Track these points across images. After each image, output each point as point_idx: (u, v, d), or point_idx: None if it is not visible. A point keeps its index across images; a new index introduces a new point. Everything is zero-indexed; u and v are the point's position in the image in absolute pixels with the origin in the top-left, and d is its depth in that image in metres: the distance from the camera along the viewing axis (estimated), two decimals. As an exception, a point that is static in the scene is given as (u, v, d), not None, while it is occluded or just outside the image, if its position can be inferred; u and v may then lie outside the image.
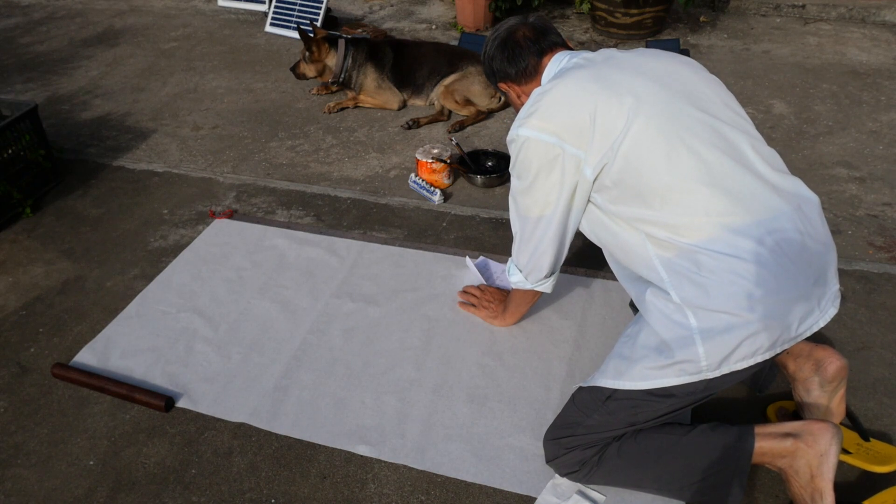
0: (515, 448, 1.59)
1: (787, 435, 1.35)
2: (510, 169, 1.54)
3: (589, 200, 1.47)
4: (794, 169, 2.60)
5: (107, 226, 2.47)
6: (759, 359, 1.29)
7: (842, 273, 2.06)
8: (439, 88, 3.14)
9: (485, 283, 2.07)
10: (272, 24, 4.15)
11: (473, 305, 1.97)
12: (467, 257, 2.16)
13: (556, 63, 1.55)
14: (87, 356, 1.90)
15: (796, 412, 1.57)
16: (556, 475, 1.50)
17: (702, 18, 4.04)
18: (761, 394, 1.65)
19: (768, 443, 1.36)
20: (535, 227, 1.52)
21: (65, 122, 3.23)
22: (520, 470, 1.54)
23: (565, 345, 1.86)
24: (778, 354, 1.31)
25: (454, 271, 2.13)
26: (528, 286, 1.65)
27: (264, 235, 2.35)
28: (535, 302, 1.84)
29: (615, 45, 3.74)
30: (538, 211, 1.49)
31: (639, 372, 1.35)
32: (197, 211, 2.52)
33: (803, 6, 4.00)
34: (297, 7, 4.07)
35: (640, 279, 1.44)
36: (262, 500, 1.52)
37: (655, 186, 1.32)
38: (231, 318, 2.00)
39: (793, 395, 1.55)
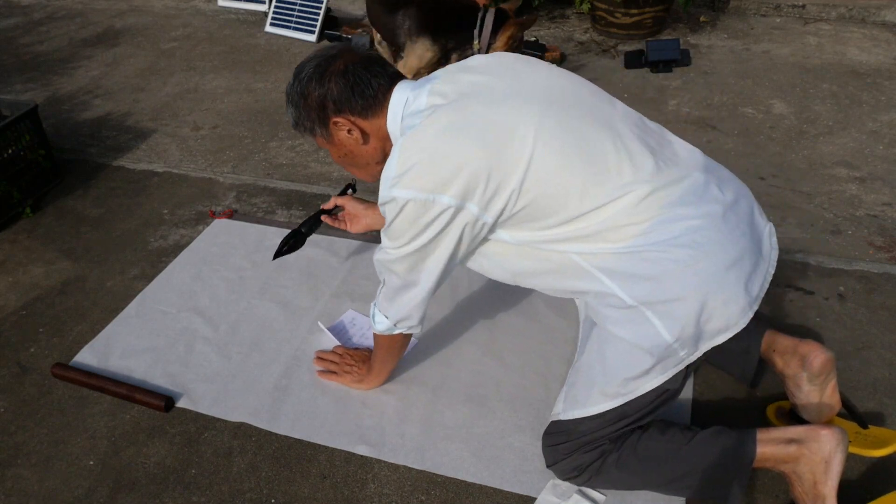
0: (515, 448, 1.59)
1: (791, 441, 1.34)
2: (382, 231, 1.36)
3: (488, 239, 1.37)
4: (794, 169, 2.60)
5: (107, 226, 2.47)
6: (735, 329, 1.29)
7: (842, 273, 2.06)
8: None
9: (341, 345, 1.87)
10: (272, 24, 4.15)
11: (334, 373, 1.76)
12: (319, 322, 1.95)
13: (402, 96, 1.37)
14: (87, 356, 1.90)
15: (793, 410, 1.57)
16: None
17: (702, 18, 4.04)
18: (753, 388, 1.66)
19: (771, 448, 1.35)
20: (410, 284, 1.39)
21: (65, 122, 3.23)
22: (520, 470, 1.54)
23: (565, 345, 1.86)
24: (749, 318, 1.30)
25: (309, 336, 1.93)
26: (397, 331, 1.52)
27: (264, 235, 2.35)
28: (404, 352, 1.67)
29: (615, 45, 3.75)
30: (413, 267, 1.36)
31: (621, 387, 1.33)
32: (197, 211, 2.52)
33: (803, 6, 4.00)
34: (298, 7, 4.07)
35: (579, 293, 1.40)
36: (262, 500, 1.52)
37: (574, 208, 1.28)
38: (231, 318, 2.00)
39: (785, 393, 1.56)
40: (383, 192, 1.31)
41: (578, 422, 1.40)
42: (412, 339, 1.88)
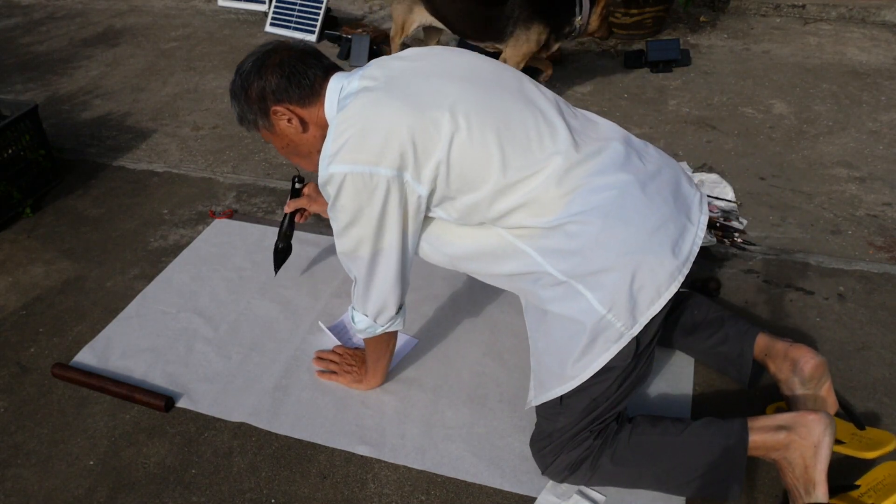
0: (515, 448, 1.59)
1: (781, 428, 1.35)
2: (328, 210, 1.41)
3: (428, 219, 1.42)
4: (794, 169, 2.60)
5: (107, 226, 2.47)
6: (667, 294, 1.31)
7: (842, 273, 2.06)
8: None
9: (342, 345, 1.88)
10: (272, 24, 4.15)
11: (334, 372, 1.78)
12: (320, 322, 1.96)
13: (336, 84, 1.42)
14: (87, 356, 1.90)
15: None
16: (556, 476, 1.50)
17: (702, 18, 4.04)
18: (751, 389, 1.66)
19: (761, 436, 1.36)
20: (374, 265, 1.42)
21: (65, 122, 3.23)
22: (520, 470, 1.54)
23: (565, 345, 1.86)
24: (679, 283, 1.32)
25: (309, 336, 1.93)
26: (379, 330, 1.53)
27: (264, 235, 2.35)
28: (394, 346, 1.67)
29: (615, 45, 3.75)
30: (371, 247, 1.39)
31: (571, 368, 1.35)
32: (197, 211, 2.52)
33: (803, 6, 4.00)
34: (297, 7, 4.07)
35: (514, 276, 1.42)
36: (262, 500, 1.52)
37: (496, 180, 1.31)
38: (231, 318, 2.00)
39: (781, 396, 1.57)
40: (322, 172, 1.34)
41: (552, 420, 1.42)
42: (413, 340, 1.89)
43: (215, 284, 2.14)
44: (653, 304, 1.31)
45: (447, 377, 1.78)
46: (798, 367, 1.49)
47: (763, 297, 1.98)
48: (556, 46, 2.99)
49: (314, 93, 1.43)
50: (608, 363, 1.33)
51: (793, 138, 2.82)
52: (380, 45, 3.76)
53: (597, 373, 1.34)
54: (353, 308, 1.53)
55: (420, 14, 3.07)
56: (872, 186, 2.49)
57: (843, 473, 1.45)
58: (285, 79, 1.41)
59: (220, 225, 2.42)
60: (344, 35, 3.82)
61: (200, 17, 4.53)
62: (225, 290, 2.12)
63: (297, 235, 2.30)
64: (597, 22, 2.96)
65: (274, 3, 4.17)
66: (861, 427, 1.51)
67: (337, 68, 1.47)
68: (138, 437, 1.68)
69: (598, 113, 3.09)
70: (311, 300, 2.06)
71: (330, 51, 3.87)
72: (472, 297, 2.04)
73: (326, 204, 1.92)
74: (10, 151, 2.46)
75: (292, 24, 4.07)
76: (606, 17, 3.00)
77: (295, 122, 1.44)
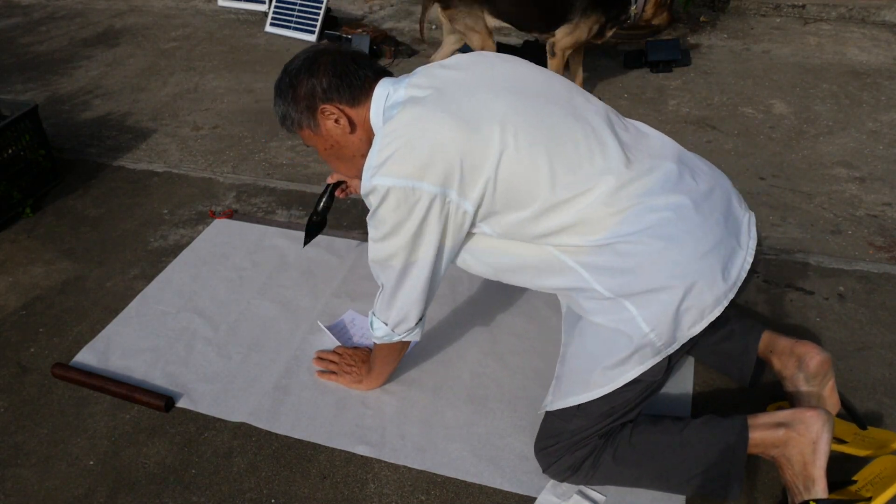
0: (515, 448, 1.59)
1: (779, 425, 1.36)
2: (368, 218, 1.39)
3: (472, 233, 1.41)
4: (795, 169, 2.60)
5: (107, 226, 2.47)
6: (710, 317, 1.30)
7: (842, 273, 2.06)
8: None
9: (341, 345, 1.87)
10: (272, 24, 4.15)
11: (334, 373, 1.76)
12: (319, 321, 1.95)
13: (383, 90, 1.41)
14: (87, 356, 1.90)
15: (793, 410, 1.57)
16: (556, 476, 1.50)
17: (702, 18, 4.04)
18: (751, 388, 1.66)
19: (760, 433, 1.37)
20: (404, 277, 1.40)
21: (65, 122, 3.23)
22: (520, 470, 1.54)
23: (565, 345, 1.86)
24: (724, 307, 1.31)
25: (309, 336, 1.92)
26: (395, 338, 1.51)
27: (264, 235, 2.35)
28: (404, 354, 1.66)
29: (615, 45, 3.74)
30: (405, 259, 1.37)
31: (600, 377, 1.34)
32: (197, 211, 2.52)
33: (803, 6, 4.00)
34: (297, 7, 4.07)
35: (562, 289, 1.41)
36: (262, 500, 1.52)
37: (545, 198, 1.30)
38: (231, 318, 2.00)
39: (784, 393, 1.56)
40: (365, 183, 1.33)
41: (567, 420, 1.41)
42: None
43: (215, 284, 2.14)
44: (694, 326, 1.30)
45: (447, 377, 1.78)
46: (804, 362, 1.49)
47: (763, 297, 1.98)
48: (609, 34, 2.99)
49: (363, 94, 1.41)
50: (637, 376, 1.33)
51: (793, 138, 2.82)
52: (380, 45, 3.76)
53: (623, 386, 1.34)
54: (374, 314, 1.51)
55: (487, 19, 3.04)
56: (872, 186, 2.49)
57: (843, 469, 1.46)
58: (337, 77, 1.39)
59: (220, 225, 2.42)
60: (344, 35, 3.81)
61: (200, 17, 4.53)
62: (225, 290, 2.12)
63: (297, 235, 2.31)
64: (651, 9, 2.96)
65: (274, 3, 4.17)
66: (863, 427, 1.51)
67: (387, 73, 1.46)
68: (138, 437, 1.68)
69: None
70: (311, 300, 2.06)
71: (330, 51, 3.87)
72: (472, 297, 2.04)
73: None
74: (10, 151, 2.46)
75: (292, 24, 4.07)
76: (663, 3, 2.98)
77: (343, 121, 1.42)
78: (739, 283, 1.33)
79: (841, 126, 2.89)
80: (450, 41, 3.21)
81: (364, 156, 1.48)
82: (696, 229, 1.30)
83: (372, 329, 1.53)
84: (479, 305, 2.00)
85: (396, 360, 1.67)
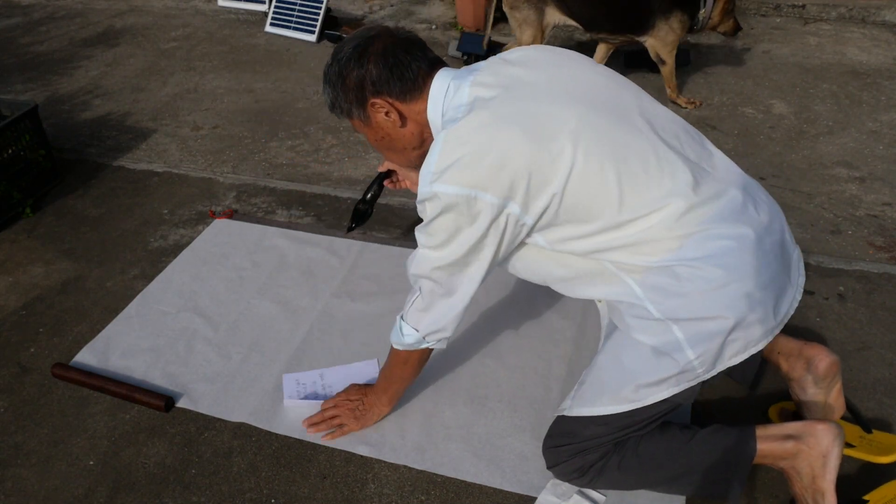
0: (515, 448, 1.59)
1: (789, 437, 1.34)
2: (418, 228, 1.32)
3: (524, 242, 1.36)
4: (794, 169, 2.60)
5: (107, 226, 2.47)
6: (753, 350, 1.29)
7: (842, 273, 2.06)
8: None
9: (324, 400, 1.69)
10: (272, 24, 4.15)
11: (340, 425, 1.62)
12: (286, 400, 1.72)
13: (442, 83, 1.34)
14: (87, 356, 1.90)
15: (797, 412, 1.57)
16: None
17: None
18: (753, 390, 1.66)
19: (769, 445, 1.35)
20: (452, 289, 1.35)
21: (65, 122, 3.23)
22: (520, 470, 1.54)
23: (565, 345, 1.86)
24: (769, 341, 1.31)
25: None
26: (424, 345, 1.44)
27: (264, 235, 2.35)
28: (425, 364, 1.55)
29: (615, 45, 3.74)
30: (455, 270, 1.32)
31: (632, 393, 1.33)
32: (197, 211, 2.52)
33: (803, 6, 4.00)
34: (297, 7, 4.07)
35: (611, 300, 1.39)
36: (262, 500, 1.52)
37: (610, 217, 1.26)
38: (231, 318, 2.00)
39: (790, 395, 1.56)
40: (423, 189, 1.26)
41: (584, 425, 1.39)
42: None
43: (215, 284, 2.14)
44: (736, 356, 1.29)
45: (447, 377, 1.78)
46: (813, 365, 1.47)
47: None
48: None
49: (416, 87, 1.34)
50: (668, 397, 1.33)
51: (793, 138, 2.82)
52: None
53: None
54: (403, 319, 1.44)
55: (552, 15, 3.04)
56: (872, 186, 2.49)
57: (853, 484, 1.45)
58: (387, 69, 1.32)
59: (220, 225, 2.42)
60: (344, 35, 3.82)
61: (200, 17, 4.53)
62: (225, 290, 2.12)
63: (297, 235, 2.31)
64: (718, 16, 2.98)
65: (274, 3, 4.17)
66: (868, 430, 1.51)
67: (442, 63, 1.39)
68: (138, 437, 1.68)
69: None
70: (311, 300, 2.06)
71: (330, 51, 3.87)
72: (472, 297, 2.03)
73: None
74: (10, 151, 2.46)
75: (292, 24, 4.07)
76: (730, 11, 3.00)
77: (394, 115, 1.37)
78: (786, 320, 1.32)
79: (841, 126, 2.89)
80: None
81: (416, 148, 1.44)
82: (756, 263, 1.27)
83: (400, 335, 1.44)
84: (480, 305, 2.00)
85: (415, 374, 1.55)
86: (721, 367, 1.30)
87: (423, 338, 1.43)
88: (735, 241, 1.27)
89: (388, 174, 1.78)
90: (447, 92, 1.34)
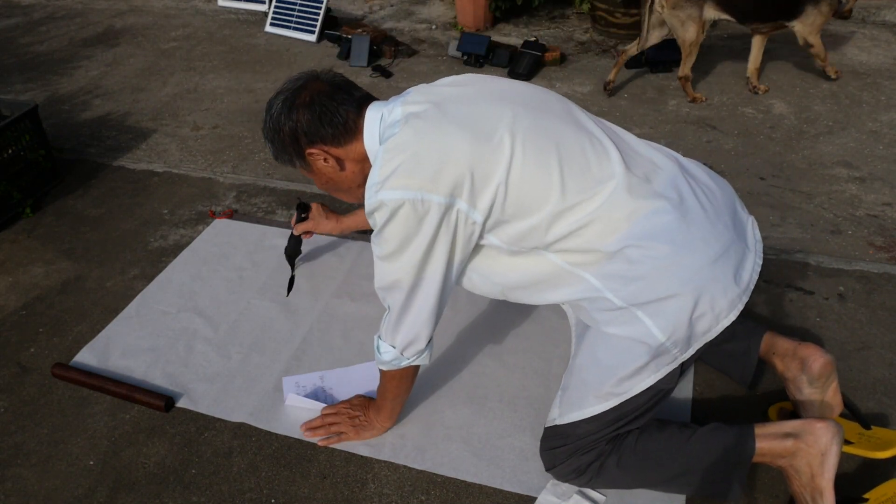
0: (515, 448, 1.59)
1: (788, 435, 1.35)
2: (373, 237, 1.34)
3: (478, 248, 1.38)
4: (794, 169, 2.60)
5: (107, 226, 2.47)
6: (725, 322, 1.31)
7: (842, 273, 2.06)
8: None
9: (324, 404, 1.68)
10: (272, 24, 4.15)
11: (339, 433, 1.61)
12: (287, 397, 1.72)
13: (375, 115, 1.38)
14: (87, 356, 1.90)
15: (794, 412, 1.57)
16: (556, 476, 1.50)
17: (702, 18, 4.04)
18: (752, 390, 1.66)
19: (768, 443, 1.36)
20: (413, 296, 1.35)
21: (65, 122, 3.24)
22: (520, 470, 1.54)
23: (565, 345, 1.86)
24: (740, 311, 1.32)
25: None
26: (404, 363, 1.44)
27: (264, 235, 2.35)
28: (413, 383, 1.56)
29: (615, 45, 3.75)
30: (414, 276, 1.32)
31: (615, 387, 1.33)
32: (197, 211, 2.52)
33: (803, 6, 3.99)
34: (297, 7, 4.07)
35: (573, 301, 1.41)
36: (262, 500, 1.52)
37: (556, 202, 1.29)
38: (231, 318, 2.00)
39: (787, 395, 1.56)
40: (369, 200, 1.29)
41: (575, 425, 1.40)
42: None
43: (215, 284, 2.14)
44: (709, 332, 1.30)
45: (447, 377, 1.78)
46: (807, 365, 1.48)
47: (763, 297, 1.98)
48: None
49: (348, 130, 1.39)
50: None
51: (793, 138, 2.82)
52: (380, 45, 3.76)
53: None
54: (380, 338, 1.45)
55: (709, 12, 3.08)
56: (872, 186, 2.49)
57: (852, 483, 1.45)
58: (316, 119, 1.37)
59: (220, 225, 2.42)
60: (344, 35, 3.82)
61: (200, 17, 4.53)
62: (225, 290, 2.12)
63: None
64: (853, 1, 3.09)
65: (274, 3, 4.17)
66: (867, 427, 1.51)
67: (371, 98, 1.43)
68: (138, 437, 1.68)
69: (597, 113, 3.09)
70: (311, 300, 2.06)
71: (330, 51, 3.88)
72: (472, 297, 2.04)
73: (333, 224, 2.01)
74: (10, 151, 2.46)
75: (292, 24, 4.07)
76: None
77: (331, 161, 1.41)
78: (752, 286, 1.33)
79: (841, 126, 2.89)
80: (654, 35, 3.17)
81: (360, 185, 1.47)
82: (707, 233, 1.30)
83: (379, 354, 1.45)
84: (480, 305, 2.00)
85: (408, 390, 1.56)
86: (697, 345, 1.31)
87: (401, 353, 1.43)
88: (678, 213, 1.30)
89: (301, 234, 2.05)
90: (381, 119, 1.38)
